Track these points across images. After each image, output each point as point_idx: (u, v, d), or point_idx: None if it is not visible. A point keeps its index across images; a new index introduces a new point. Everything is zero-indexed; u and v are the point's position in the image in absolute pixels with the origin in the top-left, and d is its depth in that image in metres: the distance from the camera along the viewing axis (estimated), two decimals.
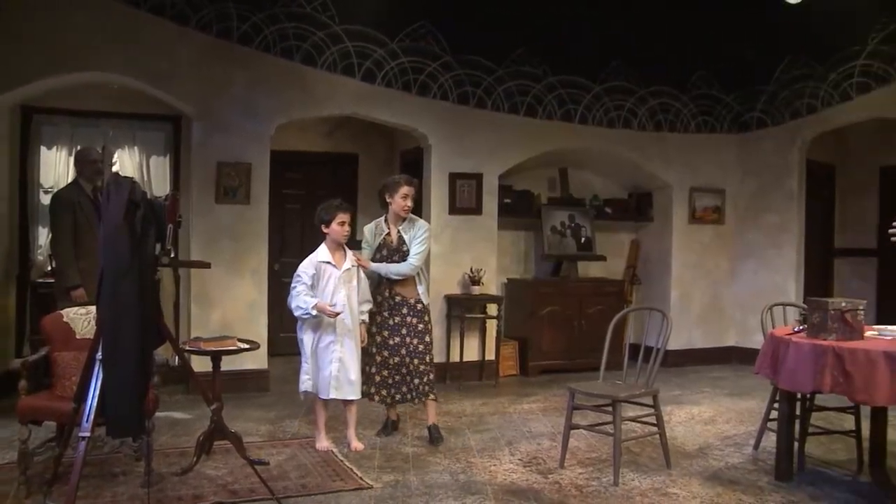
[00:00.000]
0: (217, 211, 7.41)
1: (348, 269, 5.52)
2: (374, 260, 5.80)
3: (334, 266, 5.48)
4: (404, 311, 5.82)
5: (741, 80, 9.62)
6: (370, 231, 5.92)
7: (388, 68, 8.03)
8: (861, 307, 4.62)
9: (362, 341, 5.63)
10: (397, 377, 5.82)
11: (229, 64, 7.37)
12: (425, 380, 5.82)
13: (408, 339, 5.80)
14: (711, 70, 9.59)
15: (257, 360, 7.41)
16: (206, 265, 5.34)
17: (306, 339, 5.47)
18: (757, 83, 9.57)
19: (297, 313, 5.40)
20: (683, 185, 9.68)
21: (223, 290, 7.40)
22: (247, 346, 5.41)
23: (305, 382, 5.47)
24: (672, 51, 9.19)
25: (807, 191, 9.54)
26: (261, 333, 7.38)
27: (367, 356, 5.78)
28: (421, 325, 5.85)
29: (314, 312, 5.30)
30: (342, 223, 5.47)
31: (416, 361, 5.79)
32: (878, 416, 5.18)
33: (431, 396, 5.86)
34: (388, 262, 5.78)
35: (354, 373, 5.50)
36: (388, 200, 5.81)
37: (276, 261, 9.52)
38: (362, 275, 5.65)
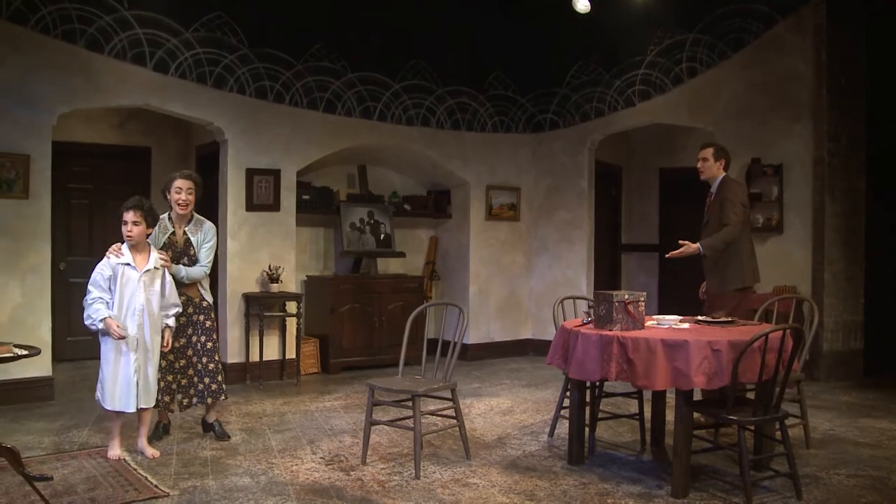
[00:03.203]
0: None
1: (149, 271, 5.20)
2: None
3: (133, 267, 5.16)
4: (190, 310, 5.64)
5: (535, 83, 10.01)
6: (155, 228, 5.53)
7: (183, 59, 7.72)
8: (642, 298, 4.91)
9: (165, 346, 5.35)
10: (184, 381, 5.64)
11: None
12: (218, 378, 5.69)
13: (194, 339, 5.64)
14: (507, 72, 9.92)
15: (39, 367, 6.87)
16: None
17: (104, 346, 5.15)
18: (550, 86, 9.99)
19: (86, 322, 5.10)
20: (480, 182, 9.94)
21: None
22: (25, 352, 5.00)
23: (99, 390, 5.19)
24: (470, 52, 9.42)
25: (596, 190, 10.07)
26: (43, 338, 6.86)
27: None
28: (209, 322, 5.71)
29: (101, 326, 5.03)
30: (125, 223, 5.12)
31: (204, 360, 5.65)
32: (658, 400, 5.56)
33: (223, 397, 5.76)
34: (177, 264, 5.56)
35: (153, 380, 5.26)
36: (167, 196, 5.60)
37: (62, 259, 8.98)
38: (168, 277, 5.34)
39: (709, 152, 6.21)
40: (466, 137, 9.83)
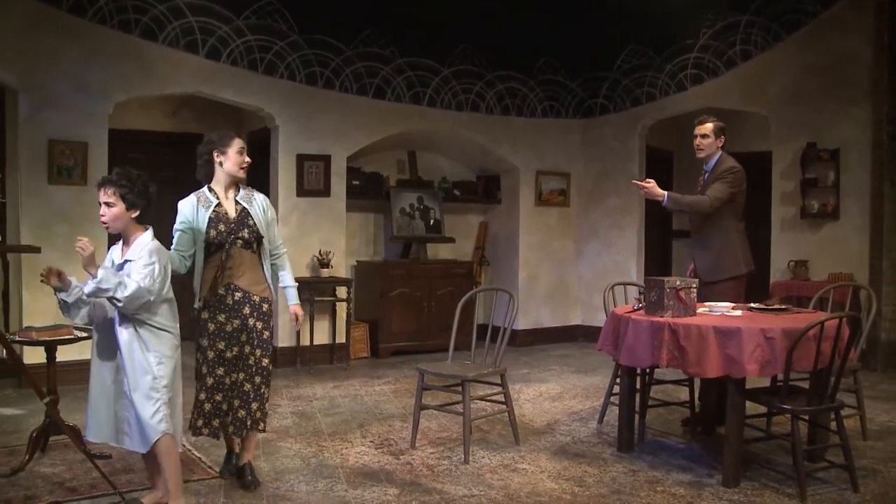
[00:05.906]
0: (50, 192, 6.97)
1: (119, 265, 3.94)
2: (209, 238, 4.34)
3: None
4: (246, 310, 4.37)
5: (585, 68, 9.91)
6: (190, 206, 4.37)
7: (234, 46, 7.79)
8: (694, 285, 4.85)
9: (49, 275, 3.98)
10: (235, 402, 4.39)
11: (60, 34, 6.92)
12: (263, 403, 4.45)
13: (247, 349, 4.36)
14: (557, 56, 9.83)
15: None
16: (36, 250, 5.03)
17: None
18: (600, 71, 9.89)
19: None
20: (530, 168, 9.89)
21: None
22: (84, 334, 5.12)
23: None
24: (519, 36, 9.35)
25: (647, 175, 9.92)
26: None
27: (197, 379, 4.40)
28: (267, 333, 4.44)
29: None
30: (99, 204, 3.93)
31: (257, 380, 4.39)
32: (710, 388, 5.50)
33: (261, 426, 4.47)
34: (231, 239, 4.35)
35: (120, 412, 4.04)
36: (217, 160, 4.39)
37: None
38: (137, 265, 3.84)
39: (709, 128, 5.75)
40: (516, 122, 9.79)
